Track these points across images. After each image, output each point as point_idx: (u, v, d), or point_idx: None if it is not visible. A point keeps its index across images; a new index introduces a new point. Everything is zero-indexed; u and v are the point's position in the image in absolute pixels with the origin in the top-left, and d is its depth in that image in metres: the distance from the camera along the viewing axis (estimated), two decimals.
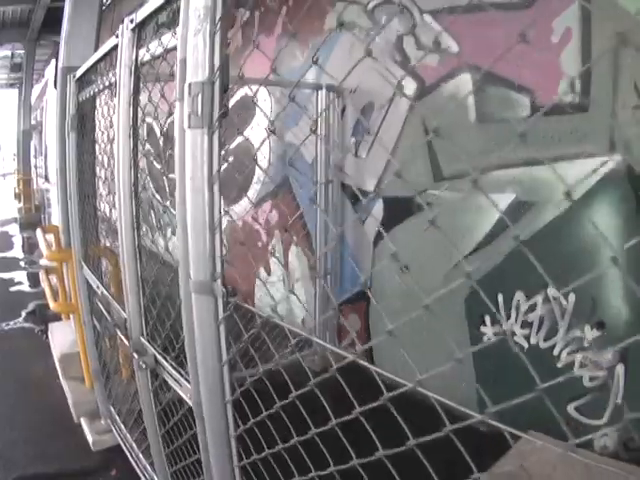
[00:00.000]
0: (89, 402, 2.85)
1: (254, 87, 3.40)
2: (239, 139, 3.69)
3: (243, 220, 4.05)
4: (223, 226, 1.12)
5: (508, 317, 2.30)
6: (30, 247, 7.79)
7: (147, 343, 1.64)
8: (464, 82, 2.45)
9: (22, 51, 9.75)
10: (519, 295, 2.26)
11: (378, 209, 2.97)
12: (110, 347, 2.62)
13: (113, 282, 2.51)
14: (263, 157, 3.77)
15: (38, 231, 3.74)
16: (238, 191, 3.98)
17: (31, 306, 4.75)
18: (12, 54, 10.72)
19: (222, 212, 1.09)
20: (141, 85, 1.57)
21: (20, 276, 6.30)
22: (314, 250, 3.33)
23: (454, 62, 2.46)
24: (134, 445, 2.31)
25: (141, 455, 2.21)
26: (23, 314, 4.64)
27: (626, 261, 1.57)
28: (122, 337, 1.85)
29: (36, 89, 11.81)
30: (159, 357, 1.56)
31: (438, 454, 0.84)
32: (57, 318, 3.88)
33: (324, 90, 3.04)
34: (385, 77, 2.62)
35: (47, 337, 3.86)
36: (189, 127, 1.06)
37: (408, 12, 2.64)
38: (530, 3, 2.16)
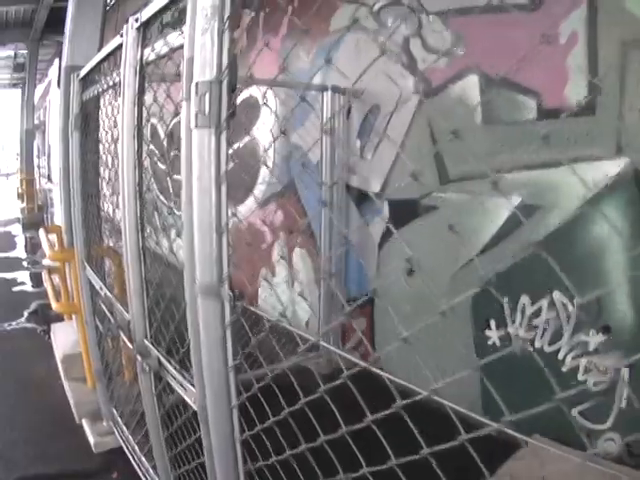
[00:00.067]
0: (91, 403, 2.83)
1: (258, 88, 3.39)
2: (244, 140, 3.68)
3: (247, 221, 4.04)
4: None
5: (513, 321, 2.29)
6: (33, 247, 7.78)
7: (151, 346, 1.62)
8: (471, 84, 2.44)
9: (25, 51, 9.78)
10: (524, 299, 2.25)
11: (383, 211, 2.96)
12: (113, 348, 2.60)
13: (116, 283, 2.50)
14: (268, 158, 3.76)
15: (41, 231, 3.73)
16: (243, 192, 3.97)
17: (33, 306, 4.73)
18: (15, 54, 10.75)
19: (229, 214, 1.07)
20: (146, 85, 1.56)
21: (23, 276, 6.28)
22: (319, 251, 3.32)
23: (461, 64, 2.45)
24: (136, 448, 2.29)
25: (143, 458, 2.19)
26: (25, 314, 4.63)
27: (633, 265, 1.56)
28: (125, 339, 1.83)
29: (39, 89, 11.84)
30: (163, 360, 1.54)
31: (448, 460, 0.83)
32: (59, 318, 3.87)
33: (329, 91, 3.03)
34: (392, 78, 2.61)
35: (49, 337, 3.85)
36: (196, 127, 1.04)
37: (414, 13, 2.63)
38: (537, 6, 2.15)
